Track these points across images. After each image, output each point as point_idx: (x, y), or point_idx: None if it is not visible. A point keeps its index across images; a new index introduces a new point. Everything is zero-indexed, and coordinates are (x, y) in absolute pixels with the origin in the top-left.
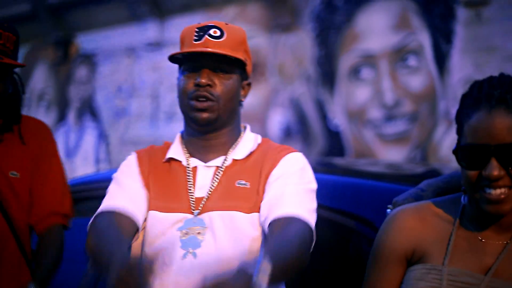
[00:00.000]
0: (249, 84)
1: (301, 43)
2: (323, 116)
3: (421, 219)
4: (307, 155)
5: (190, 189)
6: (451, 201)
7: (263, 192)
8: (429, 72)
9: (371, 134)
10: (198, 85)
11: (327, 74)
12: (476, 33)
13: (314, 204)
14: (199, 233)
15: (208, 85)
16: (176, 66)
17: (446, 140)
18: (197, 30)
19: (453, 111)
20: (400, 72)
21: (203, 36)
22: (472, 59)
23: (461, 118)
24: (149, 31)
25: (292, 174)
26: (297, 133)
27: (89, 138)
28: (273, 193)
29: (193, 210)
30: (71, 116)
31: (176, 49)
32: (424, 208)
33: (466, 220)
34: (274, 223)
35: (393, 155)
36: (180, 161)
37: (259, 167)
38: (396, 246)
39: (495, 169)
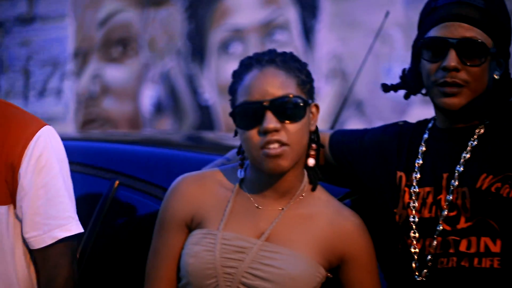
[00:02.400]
0: None
1: (172, 18)
2: (194, 90)
3: (202, 186)
4: (178, 130)
5: None
6: (235, 169)
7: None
8: (296, 47)
9: None
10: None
11: (197, 49)
12: (342, 8)
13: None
14: None
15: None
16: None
17: None
18: None
19: (319, 84)
20: (268, 46)
21: None
22: (337, 34)
23: (234, 87)
24: (19, 6)
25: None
26: (168, 108)
27: None
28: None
29: None
30: None
31: (47, 25)
32: (207, 175)
33: (245, 187)
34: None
35: None
36: None
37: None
38: (176, 213)
39: (270, 122)
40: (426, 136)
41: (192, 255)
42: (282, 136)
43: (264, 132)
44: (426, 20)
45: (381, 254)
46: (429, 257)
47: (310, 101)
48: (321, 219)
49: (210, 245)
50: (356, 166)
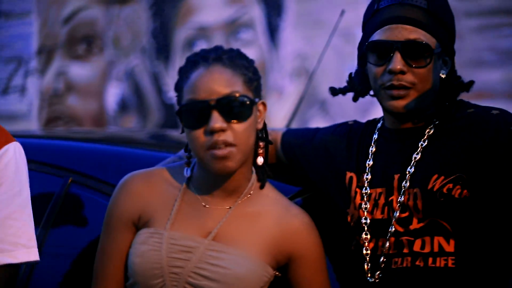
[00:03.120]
0: None
1: (136, 15)
2: (159, 88)
3: (149, 184)
4: (143, 128)
5: None
6: (182, 168)
7: None
8: (261, 45)
9: None
10: None
11: (162, 46)
12: (306, 7)
13: None
14: None
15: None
16: None
17: (277, 111)
18: None
19: (283, 83)
20: (233, 45)
21: None
22: (302, 33)
23: (180, 85)
24: None
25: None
26: (133, 106)
27: None
28: None
29: None
30: None
31: (11, 21)
32: (155, 173)
33: (192, 186)
34: None
35: None
36: None
37: None
38: (123, 211)
39: (217, 122)
40: (376, 136)
41: (138, 254)
42: (228, 136)
43: (211, 132)
44: (369, 22)
45: (334, 254)
46: (382, 258)
47: (257, 99)
48: (269, 218)
49: (157, 245)
50: (307, 166)
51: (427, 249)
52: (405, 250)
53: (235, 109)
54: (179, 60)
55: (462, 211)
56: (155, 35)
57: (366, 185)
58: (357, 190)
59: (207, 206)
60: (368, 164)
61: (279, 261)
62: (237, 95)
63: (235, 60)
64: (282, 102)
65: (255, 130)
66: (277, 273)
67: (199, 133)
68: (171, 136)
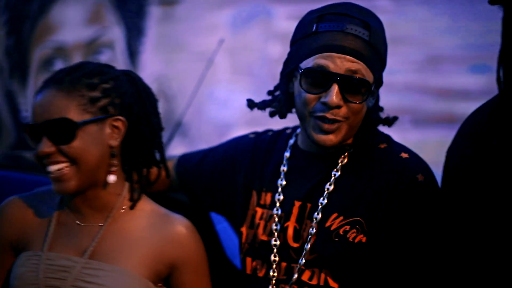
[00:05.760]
0: None
1: None
2: (14, 108)
3: (27, 208)
4: None
5: None
6: None
7: None
8: (120, 67)
9: None
10: None
11: (18, 65)
12: (166, 30)
13: None
14: None
15: None
16: None
17: None
18: None
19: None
20: None
21: None
22: (163, 56)
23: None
24: None
25: None
26: None
27: None
28: None
29: None
30: None
31: None
32: (33, 196)
33: (66, 206)
34: None
35: None
36: None
37: None
38: (1, 236)
39: (45, 147)
40: (288, 154)
41: (17, 277)
42: (59, 158)
43: (38, 156)
44: (305, 43)
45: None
46: (273, 281)
47: (103, 116)
48: (146, 230)
49: (34, 266)
50: (203, 187)
51: (314, 281)
52: (295, 278)
53: (61, 133)
54: (35, 79)
55: (352, 254)
56: (9, 52)
57: (267, 204)
58: (257, 209)
59: (81, 224)
60: (281, 184)
61: (161, 272)
62: (66, 118)
63: (78, 81)
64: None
65: (101, 148)
66: (161, 286)
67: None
68: (27, 157)
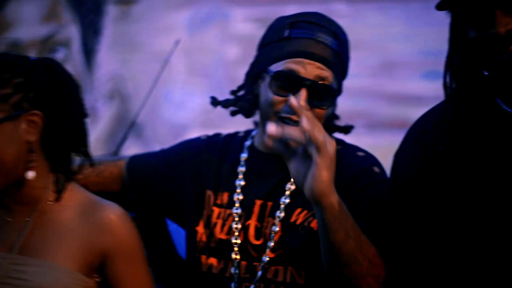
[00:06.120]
0: None
1: None
2: None
3: None
4: None
5: None
6: None
7: None
8: (76, 65)
9: None
10: None
11: None
12: (123, 30)
13: None
14: None
15: None
16: None
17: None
18: None
19: (98, 105)
20: None
21: None
22: (119, 55)
23: None
24: None
25: None
26: None
27: None
28: None
29: None
30: None
31: None
32: None
33: None
34: None
35: None
36: None
37: None
38: None
39: None
40: (245, 155)
41: None
42: None
43: None
44: (276, 47)
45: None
46: (235, 280)
47: (16, 113)
48: (75, 221)
49: None
50: (151, 193)
51: (280, 278)
52: (258, 276)
53: None
54: None
55: (316, 243)
56: None
57: (224, 203)
58: (214, 208)
59: (9, 219)
60: (239, 184)
61: (93, 263)
62: None
63: None
64: (95, 123)
65: (16, 144)
66: (96, 277)
67: None
68: None
